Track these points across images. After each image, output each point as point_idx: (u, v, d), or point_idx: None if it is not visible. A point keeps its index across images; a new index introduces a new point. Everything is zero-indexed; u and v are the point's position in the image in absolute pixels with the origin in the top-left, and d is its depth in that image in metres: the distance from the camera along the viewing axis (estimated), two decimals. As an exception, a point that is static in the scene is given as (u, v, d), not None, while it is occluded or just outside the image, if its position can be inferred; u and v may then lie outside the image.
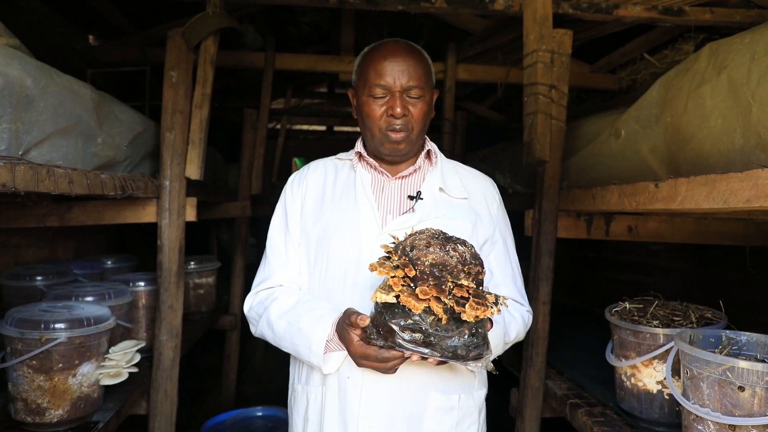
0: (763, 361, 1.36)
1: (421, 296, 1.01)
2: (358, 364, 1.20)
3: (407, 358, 1.11)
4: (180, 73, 2.15)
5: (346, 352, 1.25)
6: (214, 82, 2.29)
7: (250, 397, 4.02)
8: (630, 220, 2.08)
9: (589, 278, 4.40)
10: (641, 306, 1.79)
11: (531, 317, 1.48)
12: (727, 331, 1.46)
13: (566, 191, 2.08)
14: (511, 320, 1.37)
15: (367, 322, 1.13)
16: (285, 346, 1.36)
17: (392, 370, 1.17)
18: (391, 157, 1.42)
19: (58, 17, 3.09)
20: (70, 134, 1.69)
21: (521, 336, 1.44)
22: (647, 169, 1.84)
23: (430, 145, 1.49)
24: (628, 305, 1.80)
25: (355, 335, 1.17)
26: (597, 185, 1.79)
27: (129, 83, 3.51)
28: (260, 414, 3.10)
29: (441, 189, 1.43)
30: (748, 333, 1.43)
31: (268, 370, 4.86)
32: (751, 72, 1.30)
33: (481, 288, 1.08)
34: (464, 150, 4.11)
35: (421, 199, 1.40)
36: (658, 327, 1.63)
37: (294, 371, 1.47)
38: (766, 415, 1.18)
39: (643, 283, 3.47)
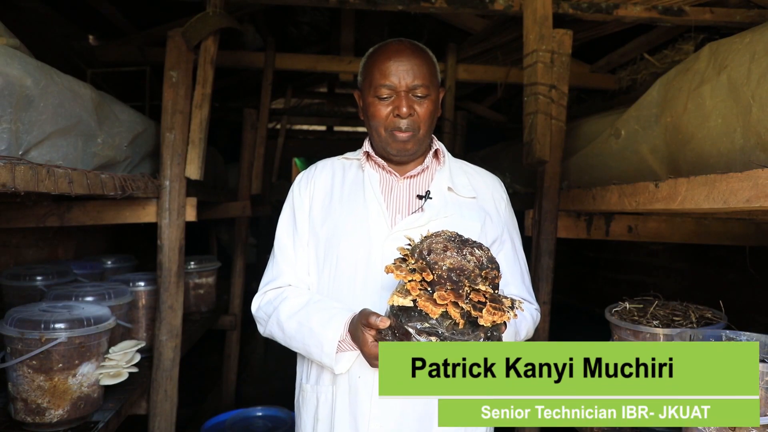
0: (763, 361, 1.36)
1: (438, 301, 1.01)
2: (372, 365, 1.20)
3: None
4: (180, 73, 2.15)
5: (358, 352, 1.25)
6: (214, 82, 2.29)
7: (250, 397, 4.03)
8: (630, 220, 2.08)
9: (589, 278, 4.40)
10: (641, 306, 1.79)
11: (539, 315, 1.49)
12: (727, 331, 1.46)
13: (566, 191, 2.08)
14: (522, 320, 1.38)
15: (387, 323, 1.13)
16: (295, 346, 1.36)
17: None
18: (399, 157, 1.42)
19: (58, 17, 3.09)
20: (70, 134, 1.69)
21: (530, 334, 1.45)
22: (647, 169, 1.84)
23: (438, 145, 1.49)
24: (628, 305, 1.80)
25: (369, 336, 1.17)
26: (597, 185, 1.79)
27: (129, 83, 3.51)
28: (260, 414, 3.09)
29: (450, 188, 1.43)
30: (748, 333, 1.43)
31: (268, 370, 4.86)
32: (751, 72, 1.31)
33: (497, 291, 1.09)
34: (464, 150, 4.11)
35: (430, 198, 1.40)
36: (658, 327, 1.63)
37: (302, 371, 1.47)
38: (766, 415, 1.18)
39: (643, 283, 3.47)
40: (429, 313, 1.01)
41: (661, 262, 3.43)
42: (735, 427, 1.21)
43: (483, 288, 1.05)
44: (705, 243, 2.16)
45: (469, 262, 1.08)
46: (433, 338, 1.06)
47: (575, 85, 3.60)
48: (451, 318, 1.03)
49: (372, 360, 1.18)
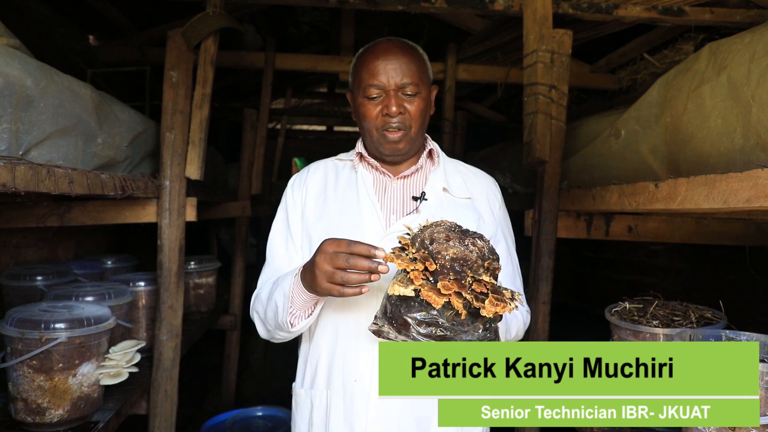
0: (763, 361, 1.36)
1: (443, 291, 1.00)
2: (318, 266, 1.12)
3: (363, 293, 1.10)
4: (180, 73, 2.15)
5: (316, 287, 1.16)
6: (214, 82, 2.29)
7: (250, 397, 4.03)
8: (630, 220, 2.08)
9: (589, 278, 4.40)
10: (641, 306, 1.79)
11: (530, 317, 1.48)
12: (727, 331, 1.46)
13: (566, 191, 2.08)
14: (512, 317, 1.38)
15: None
16: (272, 318, 1.31)
17: (344, 291, 1.10)
18: (392, 157, 1.42)
19: (58, 17, 3.09)
20: (70, 134, 1.69)
21: (520, 335, 1.44)
22: (647, 169, 1.84)
23: (432, 145, 1.48)
24: (628, 305, 1.80)
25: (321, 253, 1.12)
26: (597, 185, 1.79)
27: (129, 83, 3.51)
28: (260, 414, 3.10)
29: (444, 189, 1.43)
30: (748, 333, 1.43)
31: (268, 370, 4.86)
32: (751, 72, 1.31)
33: (496, 283, 1.08)
34: (464, 150, 4.12)
35: (426, 200, 1.39)
36: (658, 327, 1.63)
37: (298, 374, 1.46)
38: (766, 415, 1.18)
39: (643, 283, 3.47)
40: (432, 303, 1.00)
41: (661, 262, 3.43)
42: (735, 427, 1.21)
43: (486, 278, 1.04)
44: (705, 243, 2.16)
45: (471, 252, 1.07)
46: (433, 329, 1.05)
47: (575, 85, 3.60)
48: (452, 309, 1.02)
49: (316, 269, 1.12)
